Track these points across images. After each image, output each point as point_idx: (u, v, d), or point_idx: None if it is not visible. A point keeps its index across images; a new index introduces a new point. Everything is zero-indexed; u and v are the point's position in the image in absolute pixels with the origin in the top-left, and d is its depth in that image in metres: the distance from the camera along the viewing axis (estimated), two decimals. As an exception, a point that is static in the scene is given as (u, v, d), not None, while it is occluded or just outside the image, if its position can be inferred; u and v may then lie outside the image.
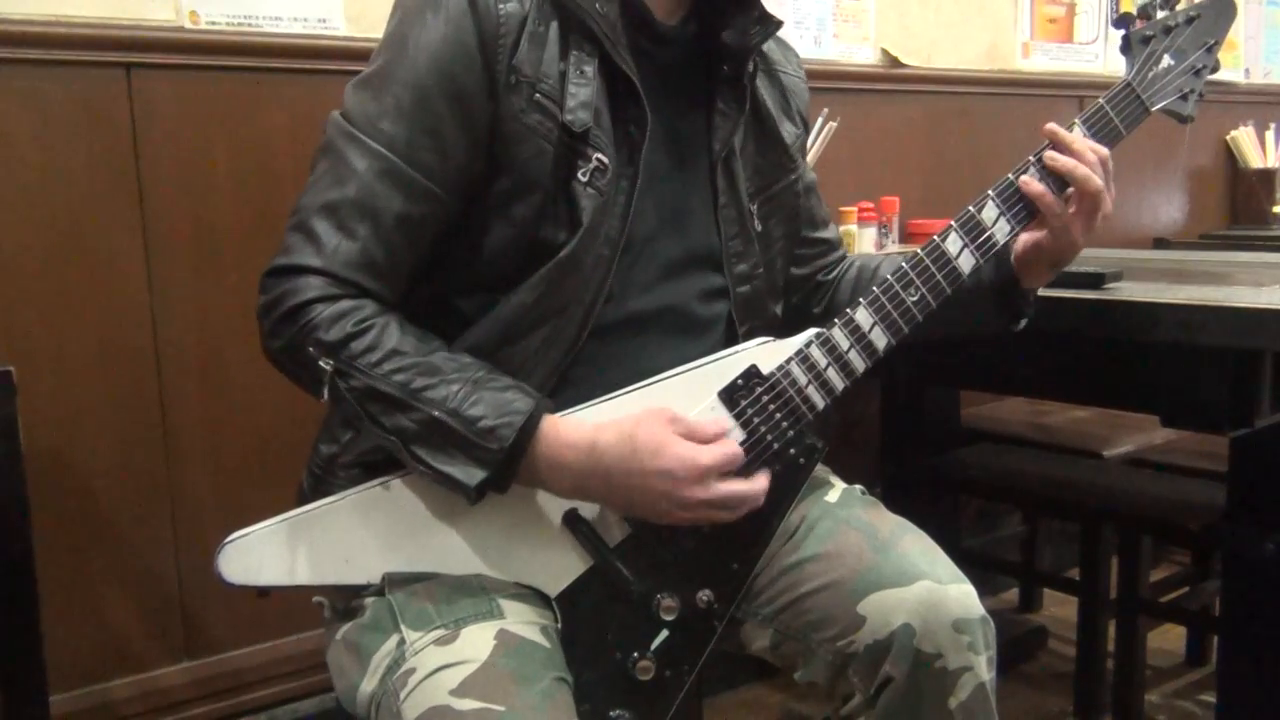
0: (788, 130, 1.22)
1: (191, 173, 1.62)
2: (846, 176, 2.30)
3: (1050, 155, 1.11)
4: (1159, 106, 1.18)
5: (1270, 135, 3.12)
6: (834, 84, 2.28)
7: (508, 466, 0.96)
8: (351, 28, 1.72)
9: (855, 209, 2.16)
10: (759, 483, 1.00)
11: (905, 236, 2.31)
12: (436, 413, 0.95)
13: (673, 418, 0.98)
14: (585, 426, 0.99)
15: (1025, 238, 1.14)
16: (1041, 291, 1.33)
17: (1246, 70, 3.19)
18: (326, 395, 0.97)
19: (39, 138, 1.51)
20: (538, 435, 0.96)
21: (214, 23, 1.62)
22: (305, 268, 0.98)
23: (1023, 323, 1.23)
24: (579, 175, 1.01)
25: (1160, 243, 2.94)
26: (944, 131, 2.53)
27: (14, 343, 1.49)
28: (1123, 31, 1.18)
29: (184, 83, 1.60)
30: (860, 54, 2.39)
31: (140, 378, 1.61)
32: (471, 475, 0.95)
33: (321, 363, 0.96)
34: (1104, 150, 1.12)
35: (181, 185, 1.61)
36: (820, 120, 2.10)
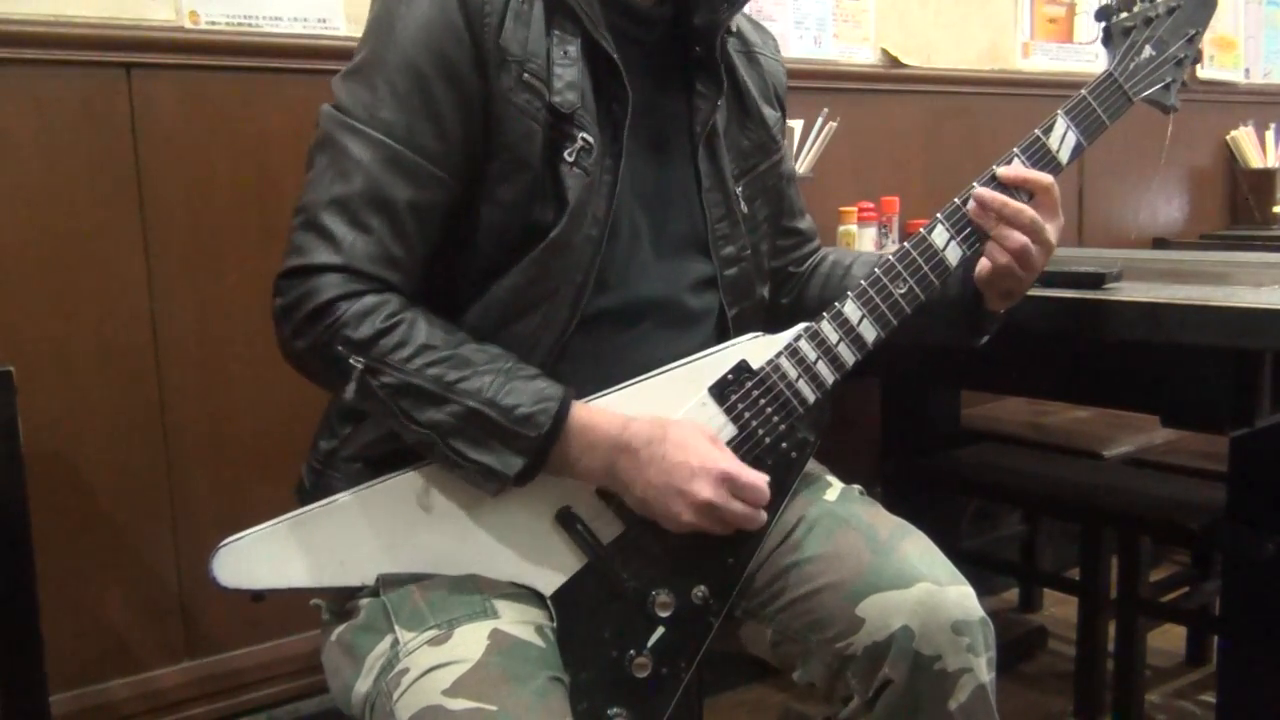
0: (768, 113, 1.22)
1: (191, 173, 1.62)
2: (846, 176, 2.30)
3: (974, 207, 1.09)
4: (1142, 96, 1.17)
5: (1270, 135, 3.11)
6: (834, 84, 2.28)
7: (545, 451, 0.96)
8: (352, 28, 1.72)
9: (855, 209, 2.15)
10: (759, 514, 1.01)
11: (905, 236, 2.30)
12: (473, 403, 0.95)
13: (714, 436, 1.01)
14: (616, 413, 1.00)
15: (982, 263, 1.12)
16: (1042, 292, 1.33)
17: (1246, 70, 3.18)
18: (353, 392, 0.96)
19: (39, 138, 1.51)
20: (570, 418, 0.97)
21: (214, 23, 1.63)
22: (324, 266, 0.96)
23: (984, 339, 1.22)
24: (565, 155, 1.01)
25: (1160, 243, 2.93)
26: (944, 131, 2.53)
27: (14, 343, 1.49)
28: (1103, 23, 1.17)
29: (184, 83, 1.60)
30: (860, 54, 2.38)
31: (140, 378, 1.61)
32: (509, 464, 0.96)
33: (351, 360, 0.95)
34: (1045, 179, 1.11)
35: (181, 185, 1.61)
36: (820, 120, 2.10)
